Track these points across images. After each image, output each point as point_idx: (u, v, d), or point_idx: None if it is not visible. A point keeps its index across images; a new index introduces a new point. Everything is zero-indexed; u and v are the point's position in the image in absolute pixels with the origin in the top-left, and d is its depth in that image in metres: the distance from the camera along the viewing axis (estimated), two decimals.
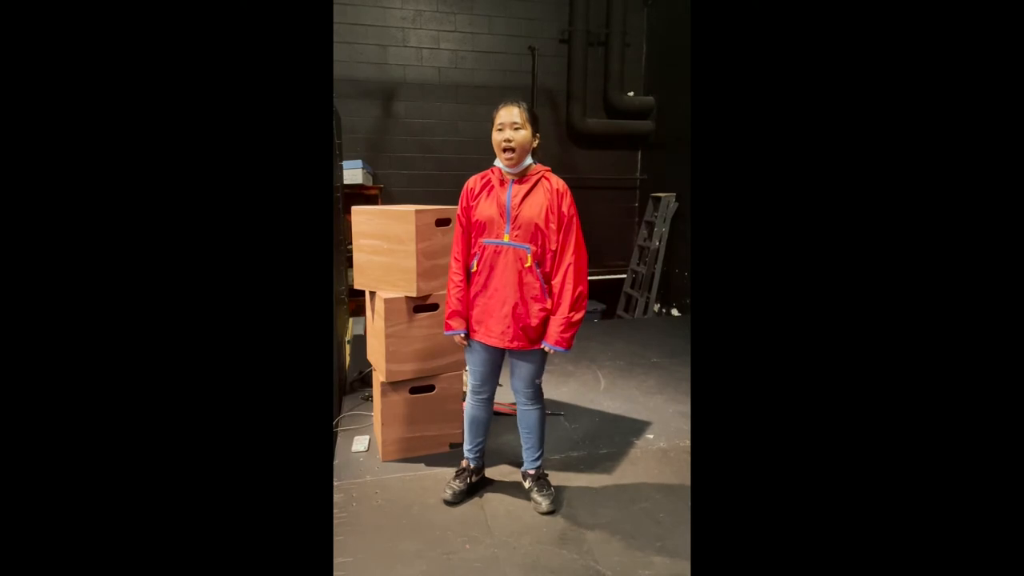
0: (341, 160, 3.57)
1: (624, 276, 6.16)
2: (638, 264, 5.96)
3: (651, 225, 5.82)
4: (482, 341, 2.03)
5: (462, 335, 2.06)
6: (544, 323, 1.98)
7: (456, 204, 2.17)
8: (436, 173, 5.71)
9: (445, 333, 2.10)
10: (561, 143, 6.05)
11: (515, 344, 1.97)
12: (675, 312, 5.68)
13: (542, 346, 1.98)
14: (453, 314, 2.05)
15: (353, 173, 4.75)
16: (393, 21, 5.42)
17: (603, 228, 6.25)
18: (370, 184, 5.18)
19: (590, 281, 6.55)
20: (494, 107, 1.98)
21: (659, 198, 5.73)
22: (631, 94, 6.05)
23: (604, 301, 6.03)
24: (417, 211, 2.31)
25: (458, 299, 2.04)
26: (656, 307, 5.77)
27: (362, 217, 2.54)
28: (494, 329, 1.98)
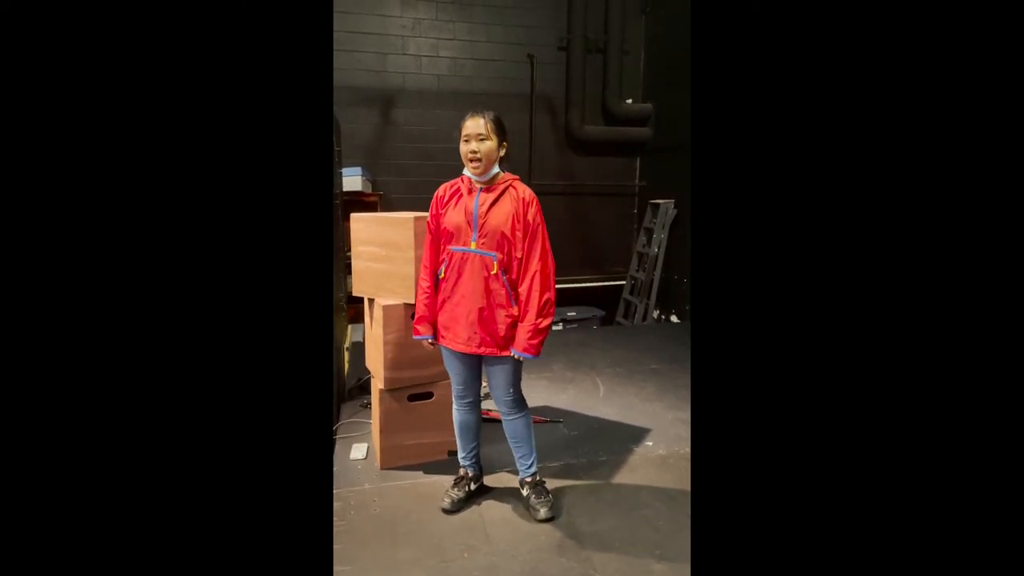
0: (340, 167, 3.57)
1: (623, 282, 6.16)
2: (637, 270, 5.96)
3: (650, 231, 5.82)
4: (449, 347, 2.07)
5: (429, 340, 2.10)
6: (512, 329, 2.00)
7: None
8: (435, 180, 5.63)
9: (413, 337, 2.15)
10: (560, 150, 6.07)
11: (483, 349, 2.00)
12: (674, 318, 5.68)
13: (511, 353, 1.99)
14: (420, 319, 2.10)
15: (352, 180, 4.76)
16: (393, 29, 5.44)
17: (602, 234, 6.26)
18: (369, 191, 5.18)
19: (590, 287, 6.49)
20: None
21: (658, 204, 5.74)
22: (629, 101, 6.07)
23: (603, 308, 6.03)
24: (415, 218, 2.32)
25: (425, 304, 2.08)
26: (655, 313, 5.76)
27: (361, 224, 2.54)
28: (460, 335, 2.01)
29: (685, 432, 2.84)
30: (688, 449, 2.65)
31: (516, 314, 1.99)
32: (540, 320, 1.95)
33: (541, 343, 1.98)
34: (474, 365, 2.12)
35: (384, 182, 5.58)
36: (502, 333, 1.99)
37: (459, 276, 1.99)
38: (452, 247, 2.00)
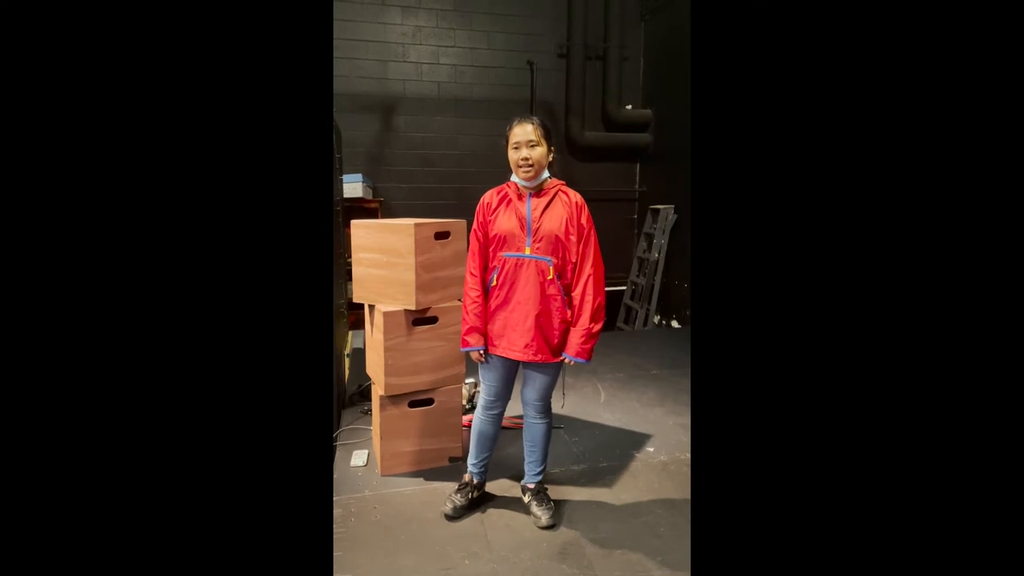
0: (341, 174, 3.58)
1: (624, 288, 6.16)
2: (637, 276, 5.96)
3: (650, 237, 5.83)
4: (504, 355, 2.02)
5: (480, 351, 2.05)
6: (564, 335, 1.99)
7: (457, 216, 2.18)
8: (436, 186, 5.73)
9: (462, 349, 2.09)
10: (560, 156, 6.08)
11: (538, 357, 1.97)
12: (675, 324, 5.68)
13: (563, 357, 1.98)
14: (471, 330, 2.03)
15: (353, 187, 4.77)
16: (393, 37, 5.47)
17: (602, 240, 6.14)
18: (370, 197, 5.19)
19: None
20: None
21: (658, 210, 5.75)
22: (629, 107, 6.09)
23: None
24: (416, 224, 2.32)
25: (476, 315, 2.02)
26: (656, 319, 5.76)
27: (361, 231, 2.55)
28: (517, 343, 1.97)
29: (686, 438, 2.83)
30: (689, 455, 2.64)
31: (570, 319, 1.98)
32: (593, 324, 1.95)
33: (593, 348, 1.97)
34: (513, 374, 2.10)
35: (385, 188, 5.59)
36: (556, 340, 1.98)
37: (514, 283, 1.96)
38: (505, 253, 1.97)
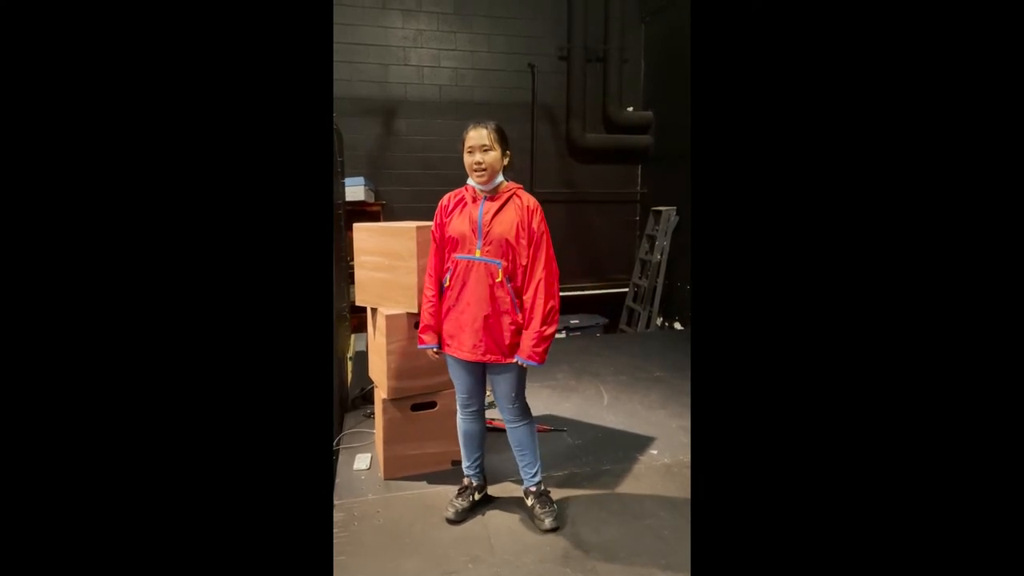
0: (343, 177, 3.59)
1: (626, 290, 6.15)
2: (640, 278, 5.96)
3: (652, 239, 5.82)
4: (454, 355, 2.07)
5: (434, 349, 2.10)
6: (516, 337, 2.00)
7: None
8: (437, 189, 5.69)
9: (418, 347, 2.15)
10: (561, 158, 6.09)
11: (488, 357, 2.00)
12: (677, 326, 5.67)
13: (515, 360, 2.00)
14: (425, 328, 2.10)
15: (355, 190, 4.78)
16: (394, 40, 5.48)
17: (604, 242, 6.26)
18: (372, 201, 5.20)
19: (593, 295, 6.47)
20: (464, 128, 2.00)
21: (659, 212, 5.75)
22: (630, 109, 6.09)
23: (606, 315, 6.02)
24: (418, 227, 2.32)
25: (430, 313, 2.09)
26: (659, 321, 5.75)
27: (363, 234, 2.55)
28: (466, 343, 2.01)
29: (689, 440, 2.82)
30: None
31: (521, 322, 2.00)
32: (545, 328, 1.96)
33: (546, 351, 1.98)
34: (478, 373, 2.12)
35: (387, 192, 5.60)
36: (507, 341, 1.99)
37: (464, 284, 2.00)
38: (457, 255, 2.02)
